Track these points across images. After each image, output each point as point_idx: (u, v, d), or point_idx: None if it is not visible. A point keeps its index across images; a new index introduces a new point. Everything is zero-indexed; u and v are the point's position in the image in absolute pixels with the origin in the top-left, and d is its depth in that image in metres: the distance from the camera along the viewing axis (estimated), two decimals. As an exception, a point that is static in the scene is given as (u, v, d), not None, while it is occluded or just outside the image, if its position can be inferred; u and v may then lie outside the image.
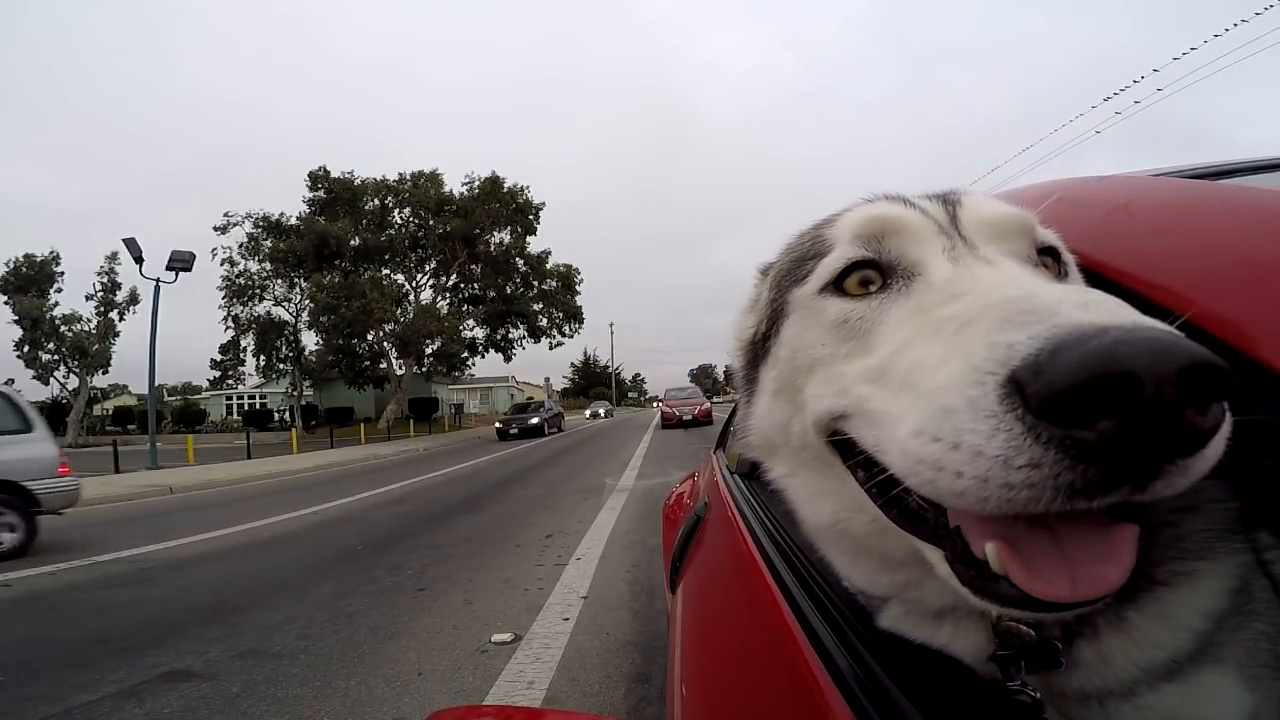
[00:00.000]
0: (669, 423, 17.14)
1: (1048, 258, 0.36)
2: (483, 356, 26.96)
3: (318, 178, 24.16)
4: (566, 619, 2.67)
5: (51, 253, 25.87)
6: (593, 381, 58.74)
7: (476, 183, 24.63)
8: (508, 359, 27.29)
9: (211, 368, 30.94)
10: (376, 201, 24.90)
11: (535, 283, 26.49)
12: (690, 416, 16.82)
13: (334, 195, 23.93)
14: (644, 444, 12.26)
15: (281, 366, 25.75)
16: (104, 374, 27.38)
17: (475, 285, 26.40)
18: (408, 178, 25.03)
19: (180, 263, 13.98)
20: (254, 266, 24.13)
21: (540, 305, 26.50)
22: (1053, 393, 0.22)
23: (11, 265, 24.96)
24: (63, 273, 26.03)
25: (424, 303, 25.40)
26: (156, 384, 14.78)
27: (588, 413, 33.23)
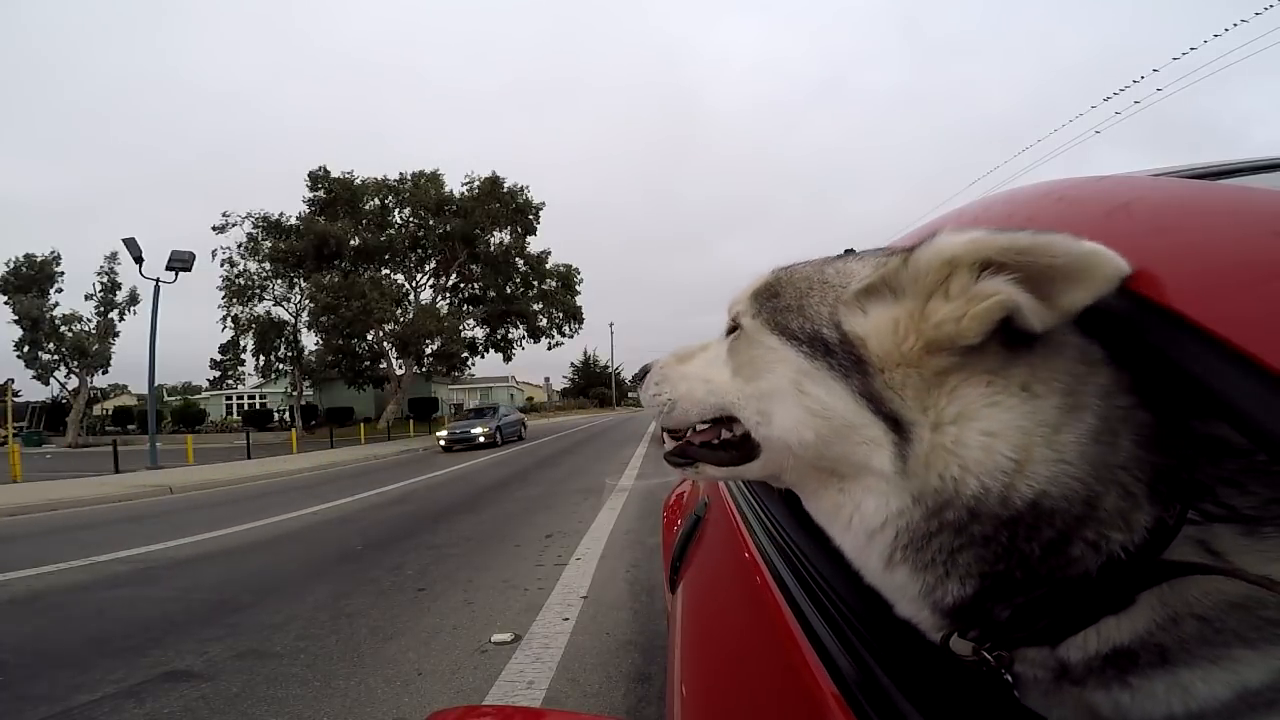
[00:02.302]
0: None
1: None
2: (483, 356, 26.94)
3: (318, 178, 24.15)
4: (566, 619, 2.67)
5: (51, 253, 25.89)
6: (593, 381, 58.74)
7: (476, 182, 24.63)
8: (507, 359, 27.26)
9: (211, 368, 30.94)
10: (376, 201, 24.89)
11: (535, 283, 26.48)
12: None
13: (334, 195, 23.92)
14: (636, 457, 12.15)
15: (281, 366, 25.74)
16: (104, 374, 27.41)
17: (475, 285, 26.39)
18: (408, 178, 25.03)
19: (180, 263, 13.97)
20: (253, 266, 24.15)
21: (540, 305, 26.49)
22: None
23: (11, 265, 24.97)
24: (63, 273, 26.06)
25: (424, 303, 25.39)
26: (156, 384, 14.77)
27: (441, 436, 14.99)
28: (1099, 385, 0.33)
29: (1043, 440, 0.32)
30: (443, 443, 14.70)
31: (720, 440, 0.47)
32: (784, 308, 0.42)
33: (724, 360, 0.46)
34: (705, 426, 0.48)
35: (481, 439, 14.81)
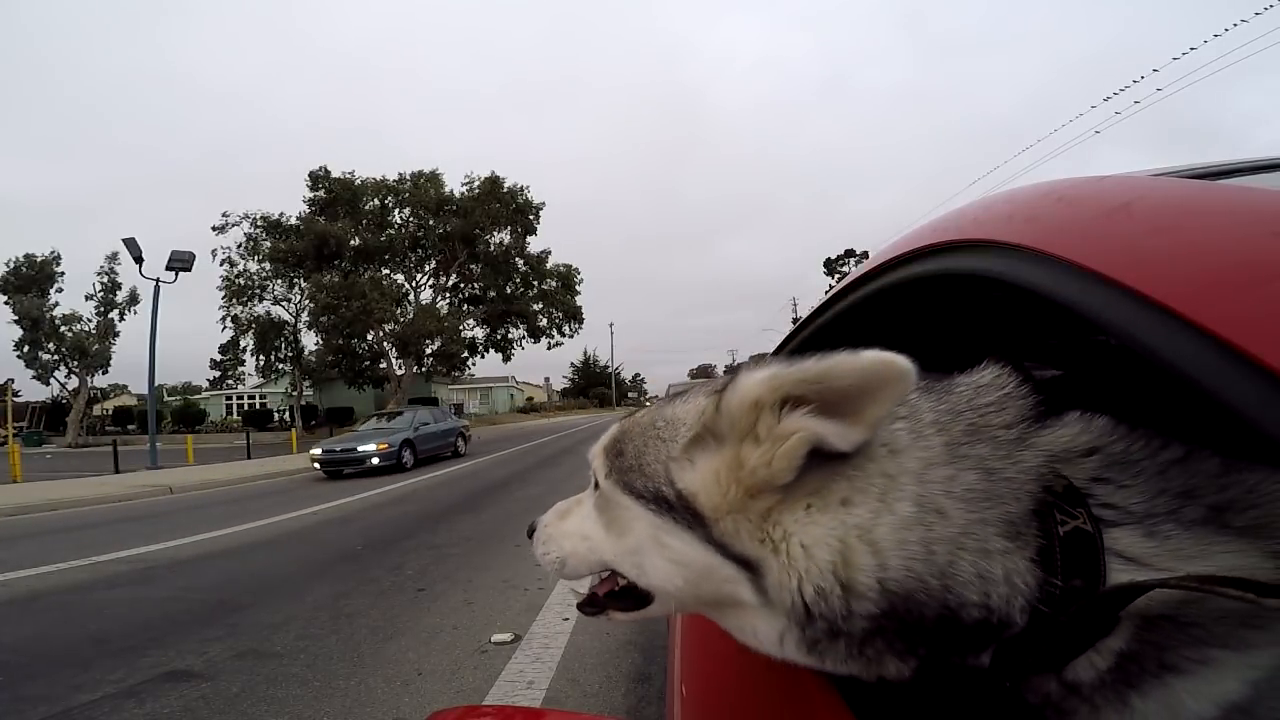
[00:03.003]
0: None
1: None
2: (483, 356, 26.94)
3: (318, 177, 24.16)
4: (566, 619, 2.67)
5: (52, 253, 25.92)
6: (593, 381, 58.80)
7: (476, 183, 24.62)
8: (507, 359, 27.26)
9: (211, 368, 31.07)
10: (376, 201, 24.89)
11: (535, 283, 26.48)
12: None
13: (334, 195, 23.92)
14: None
15: (281, 366, 25.74)
16: (104, 374, 27.41)
17: (475, 285, 26.39)
18: (407, 178, 25.04)
19: (180, 263, 13.97)
20: (254, 266, 24.14)
21: (540, 305, 26.49)
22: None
23: (11, 265, 24.98)
24: (63, 273, 26.09)
25: (424, 303, 25.40)
26: (156, 384, 14.77)
27: (315, 456, 9.87)
28: (911, 471, 0.35)
29: (858, 538, 0.34)
30: (317, 465, 9.81)
31: (620, 587, 0.49)
32: (628, 467, 0.43)
33: (595, 517, 0.47)
34: (605, 575, 0.49)
35: (375, 460, 9.56)
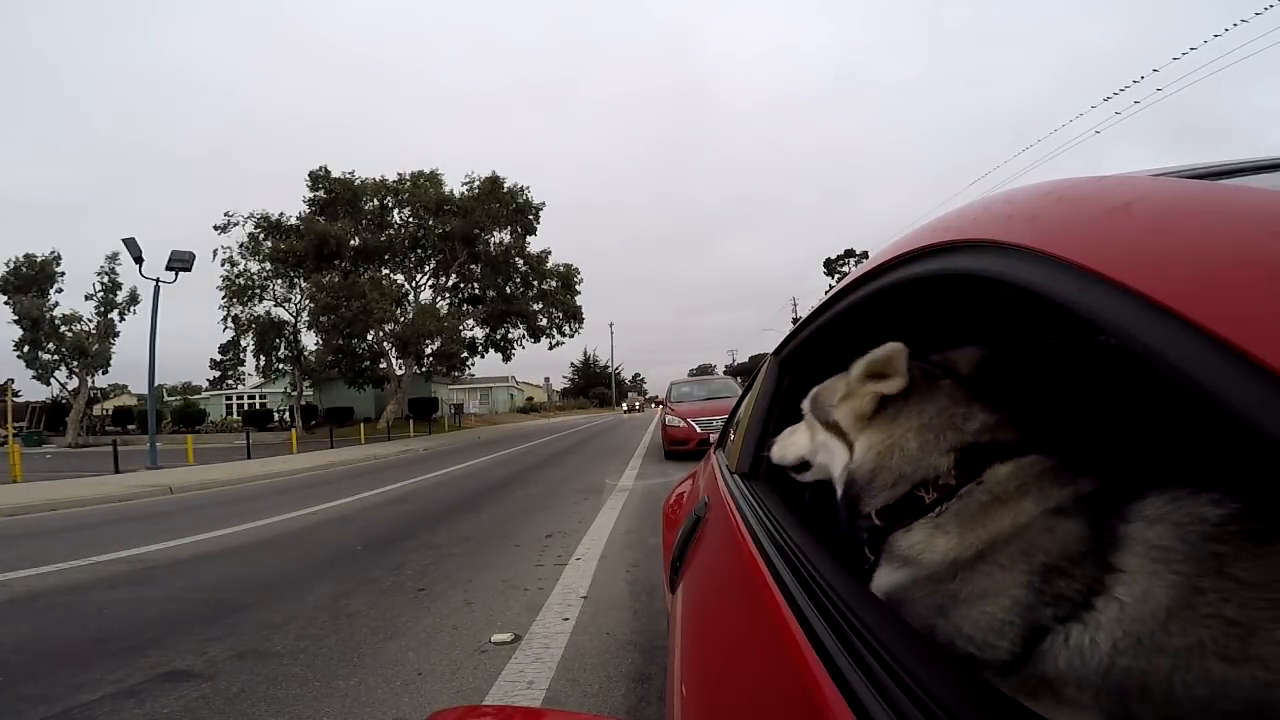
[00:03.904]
0: (678, 446, 8.98)
1: None
2: (482, 356, 26.97)
3: (318, 178, 24.17)
4: (566, 619, 2.67)
5: (52, 253, 25.94)
6: (593, 381, 58.81)
7: (476, 183, 24.63)
8: (507, 359, 27.28)
9: (211, 368, 31.12)
10: (376, 201, 24.90)
11: (535, 282, 26.50)
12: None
13: (334, 195, 23.93)
14: (636, 458, 12.07)
15: (281, 366, 25.74)
16: (104, 374, 27.42)
17: (475, 285, 26.41)
18: (407, 178, 25.05)
19: (180, 263, 13.96)
20: (254, 266, 24.15)
21: (540, 305, 26.50)
22: None
23: (11, 265, 24.98)
24: (63, 273, 26.10)
25: (424, 303, 25.40)
26: (156, 384, 14.77)
27: None
28: (912, 418, 0.59)
29: (875, 442, 0.62)
30: None
31: (795, 462, 0.77)
32: (818, 410, 0.70)
33: (805, 433, 0.75)
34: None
35: None
